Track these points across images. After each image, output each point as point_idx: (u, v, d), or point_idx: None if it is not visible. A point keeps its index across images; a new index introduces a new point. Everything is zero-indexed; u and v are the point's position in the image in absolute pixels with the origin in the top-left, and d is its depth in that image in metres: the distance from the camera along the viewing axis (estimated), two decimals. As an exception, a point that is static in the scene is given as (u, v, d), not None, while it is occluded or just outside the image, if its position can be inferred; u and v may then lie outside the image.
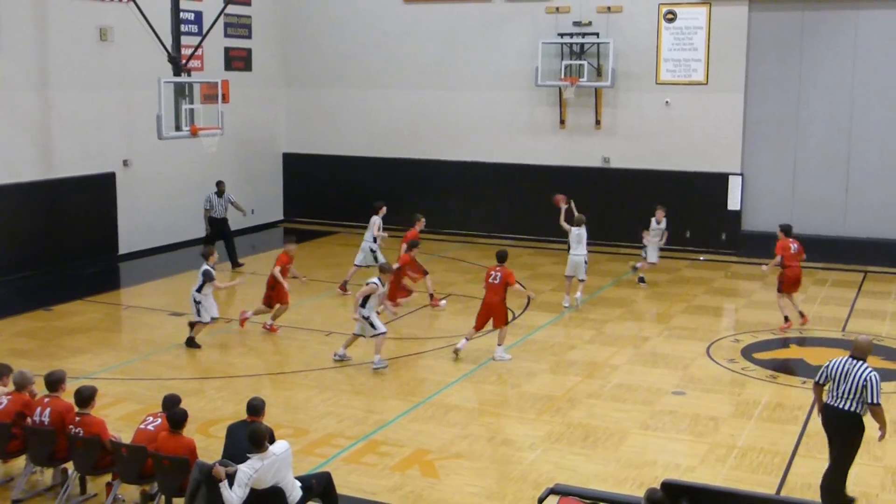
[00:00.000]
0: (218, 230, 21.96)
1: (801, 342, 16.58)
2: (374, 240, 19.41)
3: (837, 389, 10.00)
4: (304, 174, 27.98)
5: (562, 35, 24.41)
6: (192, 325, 15.93)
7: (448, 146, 26.20)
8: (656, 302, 19.31)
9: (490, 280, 15.35)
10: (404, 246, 18.33)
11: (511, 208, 25.35)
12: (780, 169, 23.58)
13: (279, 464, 8.80)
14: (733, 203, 23.63)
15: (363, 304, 14.53)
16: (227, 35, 25.42)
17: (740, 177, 23.61)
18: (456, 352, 15.26)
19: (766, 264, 17.87)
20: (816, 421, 12.55)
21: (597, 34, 24.18)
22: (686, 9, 23.66)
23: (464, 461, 11.33)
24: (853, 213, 22.89)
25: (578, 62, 23.98)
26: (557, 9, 24.54)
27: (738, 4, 23.26)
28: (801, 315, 17.39)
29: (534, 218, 24.87)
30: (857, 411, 9.88)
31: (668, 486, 8.23)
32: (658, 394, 13.73)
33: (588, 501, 8.37)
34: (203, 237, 21.89)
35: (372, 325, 14.56)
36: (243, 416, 9.80)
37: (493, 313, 15.28)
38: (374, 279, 14.62)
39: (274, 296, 16.65)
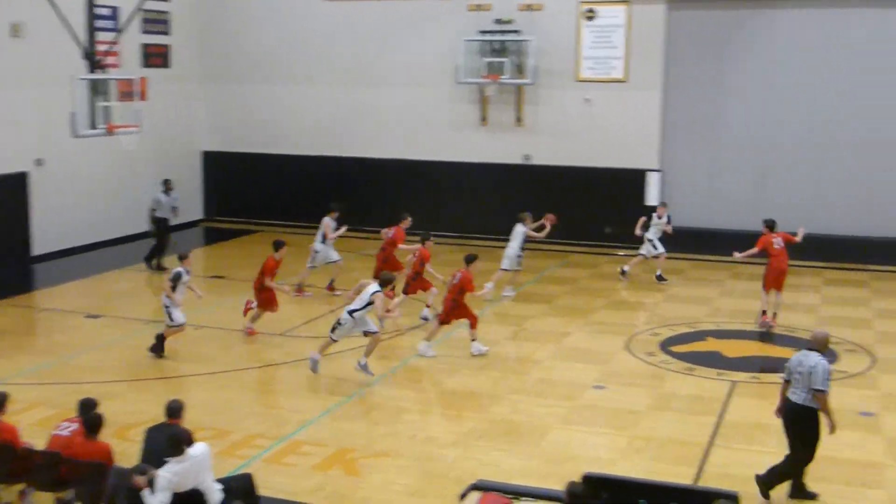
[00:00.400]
0: (161, 229, 21.65)
1: (718, 335, 16.88)
2: (323, 241, 19.25)
3: (794, 383, 10.24)
4: (224, 172, 27.66)
5: (483, 32, 24.49)
6: (160, 341, 15.19)
7: (370, 143, 26.13)
8: (577, 297, 19.50)
9: (450, 280, 15.57)
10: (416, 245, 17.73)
11: (433, 205, 25.38)
12: (698, 165, 23.99)
13: (198, 466, 8.70)
14: (651, 199, 23.95)
15: (358, 309, 13.97)
16: (144, 31, 25.00)
17: (659, 173, 23.96)
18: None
19: (740, 252, 17.79)
20: (732, 412, 12.90)
21: (518, 32, 24.32)
22: (605, 7, 23.92)
23: (387, 459, 11.33)
24: (769, 208, 23.27)
25: (500, 60, 24.09)
26: (479, 6, 24.64)
27: (655, 3, 23.58)
28: (763, 313, 17.30)
29: (456, 215, 24.96)
30: (810, 404, 10.07)
31: (589, 480, 8.33)
32: (579, 388, 13.88)
33: (510, 497, 8.42)
34: (142, 233, 21.58)
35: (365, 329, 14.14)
36: (162, 419, 9.66)
37: (445, 310, 15.38)
38: (377, 289, 14.05)
39: (263, 301, 16.43)
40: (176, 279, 15.02)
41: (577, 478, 8.40)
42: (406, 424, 12.51)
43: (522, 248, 19.34)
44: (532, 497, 8.58)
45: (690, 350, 15.88)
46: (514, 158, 24.98)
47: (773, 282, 17.22)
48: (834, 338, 16.30)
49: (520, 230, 19.22)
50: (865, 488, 10.65)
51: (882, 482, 10.78)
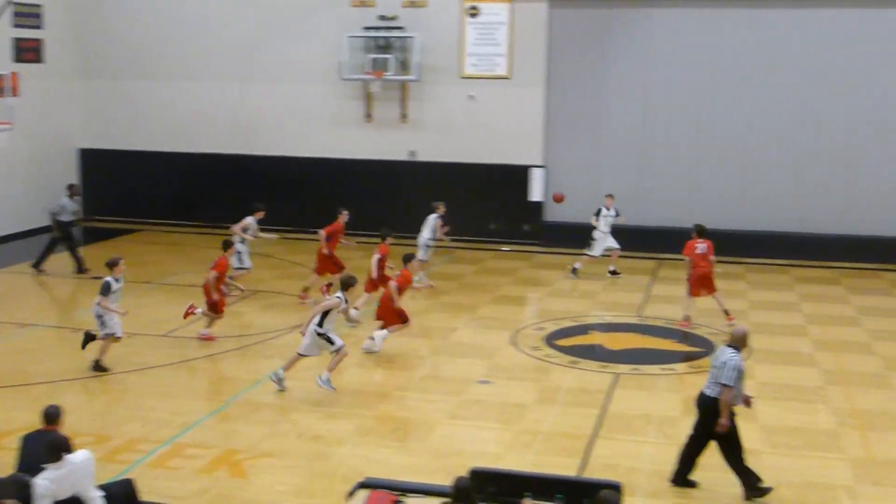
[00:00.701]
0: (65, 233, 20.81)
1: (601, 328, 17.21)
2: (242, 241, 18.90)
3: (710, 376, 10.50)
4: (102, 170, 26.92)
5: (367, 29, 24.44)
6: (89, 338, 14.38)
7: (253, 140, 25.80)
8: (463, 293, 19.63)
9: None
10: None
11: (319, 203, 25.18)
12: (581, 161, 24.39)
13: (78, 473, 8.45)
14: (535, 195, 24.28)
15: (321, 322, 13.34)
16: (15, 25, 24.17)
17: (542, 169, 24.28)
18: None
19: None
20: (615, 404, 13.16)
21: (402, 28, 24.34)
22: (488, 4, 24.12)
23: (273, 459, 11.21)
24: (648, 203, 23.90)
25: (384, 56, 24.07)
26: (363, 2, 24.56)
27: (538, 1, 23.88)
28: (726, 313, 17.12)
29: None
30: (719, 397, 10.29)
31: (476, 474, 8.39)
32: (465, 383, 13.97)
33: (397, 494, 8.43)
34: (14, 234, 20.84)
35: (330, 342, 13.37)
36: (39, 425, 9.36)
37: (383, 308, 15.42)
38: (339, 294, 13.53)
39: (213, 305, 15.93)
40: (106, 290, 14.19)
41: (464, 472, 8.45)
42: (293, 424, 12.41)
43: (434, 239, 19.64)
44: (419, 493, 8.60)
45: (574, 343, 16.15)
46: (400, 155, 24.99)
47: (698, 286, 17.02)
48: (711, 329, 16.87)
49: (432, 219, 19.47)
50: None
51: (758, 469, 11.10)
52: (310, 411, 13.00)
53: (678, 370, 14.80)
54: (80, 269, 20.46)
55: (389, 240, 17.40)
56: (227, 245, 16.41)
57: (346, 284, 13.57)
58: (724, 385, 10.15)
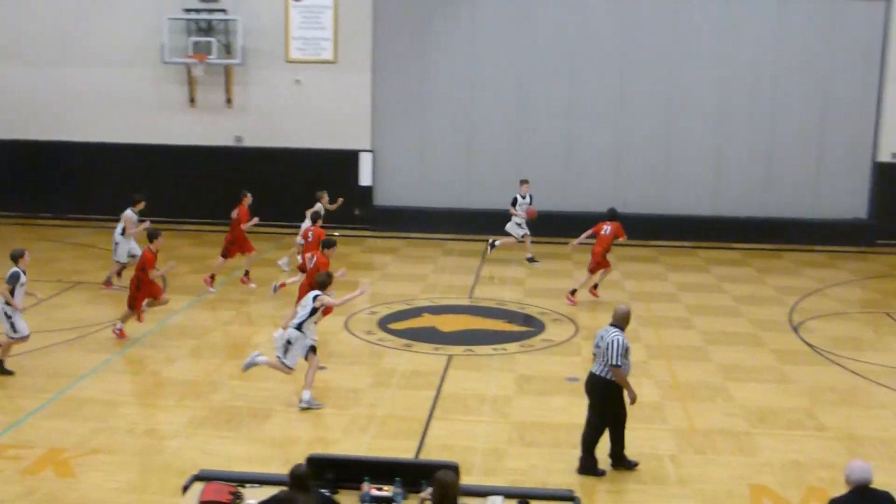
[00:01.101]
0: None
1: (433, 311, 17.38)
2: (122, 232, 18.09)
3: (596, 357, 10.63)
4: None
5: (188, 10, 23.79)
6: None
7: (70, 126, 24.74)
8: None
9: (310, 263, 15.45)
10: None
11: (144, 189, 24.44)
12: (409, 145, 24.54)
13: None
14: (365, 179, 24.28)
15: (299, 327, 12.57)
16: None
17: (371, 153, 24.29)
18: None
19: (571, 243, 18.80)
20: (449, 385, 13.32)
21: (224, 11, 23.82)
22: (313, -13, 23.93)
23: (103, 456, 10.84)
24: (476, 186, 24.29)
25: (207, 39, 23.52)
26: (183, -17, 23.92)
27: (363, -15, 23.88)
28: (594, 287, 18.23)
29: (167, 199, 24.12)
30: (607, 376, 10.45)
31: (313, 461, 8.35)
32: (300, 370, 13.82)
33: (235, 485, 8.30)
34: None
35: (286, 350, 12.64)
36: None
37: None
38: (318, 293, 12.68)
39: (140, 296, 15.06)
40: (14, 280, 13.28)
41: (300, 460, 8.40)
42: (123, 418, 12.02)
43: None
44: (257, 483, 8.49)
45: (408, 326, 16.26)
46: (226, 140, 24.51)
47: (596, 265, 17.95)
48: (540, 308, 17.29)
49: (318, 207, 18.89)
50: (572, 448, 11.30)
51: (587, 441, 11.50)
52: (140, 405, 12.65)
53: (510, 350, 15.12)
54: None
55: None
56: (153, 236, 15.43)
57: (323, 285, 12.74)
58: (614, 365, 10.33)
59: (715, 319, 16.88)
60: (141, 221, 18.02)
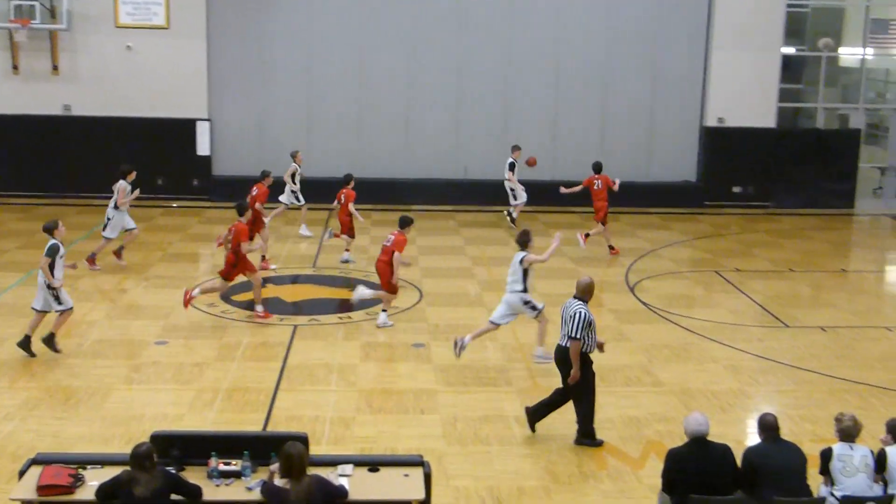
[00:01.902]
0: None
1: (277, 281, 17.18)
2: (116, 206, 17.18)
3: (562, 329, 10.52)
4: None
5: (8, -27, 22.63)
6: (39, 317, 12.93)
7: None
8: (132, 252, 18.82)
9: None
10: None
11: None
12: (247, 113, 24.08)
13: None
14: (203, 149, 23.72)
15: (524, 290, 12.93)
16: None
17: (208, 122, 23.72)
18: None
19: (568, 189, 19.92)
20: (295, 355, 13.23)
21: (48, -27, 22.77)
22: (142, -50, 23.09)
23: (-71, 444, 10.32)
24: (317, 154, 24.01)
25: (29, 3, 22.41)
26: (0, -56, 22.68)
27: (194, -52, 23.19)
28: (586, 236, 19.34)
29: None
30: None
31: (156, 438, 8.17)
32: (140, 346, 13.51)
33: (75, 467, 8.04)
34: None
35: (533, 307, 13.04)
36: None
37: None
38: (525, 254, 12.85)
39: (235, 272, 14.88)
40: (53, 253, 12.65)
41: (144, 438, 8.20)
42: (-51, 403, 11.46)
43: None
44: (98, 464, 8.24)
45: (251, 298, 15.98)
46: (54, 109, 23.46)
47: (603, 214, 19.31)
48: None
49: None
50: (419, 414, 11.42)
51: (435, 407, 11.63)
52: (-32, 388, 12.06)
53: (355, 318, 15.09)
54: None
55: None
56: (243, 209, 15.16)
57: (525, 242, 12.95)
58: (573, 338, 10.29)
59: (556, 282, 17.24)
60: (132, 192, 17.43)
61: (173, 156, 23.65)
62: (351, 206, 17.98)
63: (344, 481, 7.90)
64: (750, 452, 8.19)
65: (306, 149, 23.86)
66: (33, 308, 13.01)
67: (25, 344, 12.88)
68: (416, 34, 23.98)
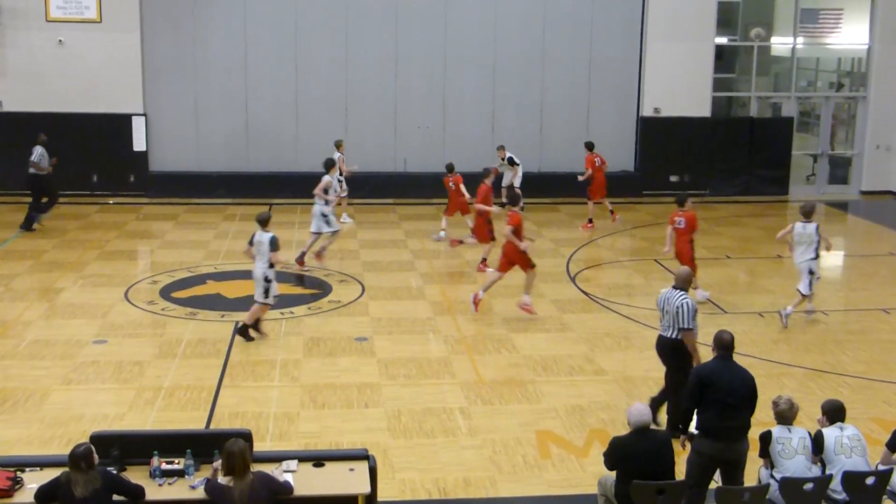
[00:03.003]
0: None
1: (217, 278, 17.01)
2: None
3: (663, 320, 10.44)
4: None
5: (-67, -34, 22.11)
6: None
7: None
8: (68, 250, 18.56)
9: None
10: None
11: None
12: (183, 108, 23.77)
13: None
14: (139, 144, 23.40)
15: None
16: None
17: (144, 117, 23.40)
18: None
19: (581, 176, 21.05)
20: (238, 351, 13.13)
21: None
22: (71, -58, 22.69)
23: None
24: (255, 149, 23.88)
25: (-44, -3, 21.94)
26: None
27: (124, -61, 22.84)
28: (612, 213, 21.31)
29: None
30: (679, 338, 10.30)
31: (96, 439, 8.06)
32: (78, 345, 13.30)
33: (13, 470, 7.91)
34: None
35: None
36: None
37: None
38: None
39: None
40: (276, 245, 13.37)
41: (84, 438, 8.09)
42: None
43: None
44: (37, 466, 8.11)
45: (192, 295, 15.86)
46: (-17, 106, 23.00)
47: (598, 192, 20.89)
48: (327, 270, 17.26)
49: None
50: (363, 408, 11.40)
51: (379, 400, 11.62)
52: None
53: (297, 313, 15.01)
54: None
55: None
56: (515, 200, 15.24)
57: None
58: (685, 329, 10.23)
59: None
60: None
61: (108, 152, 23.28)
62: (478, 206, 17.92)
63: (289, 477, 7.87)
64: (701, 369, 8.40)
65: (243, 143, 23.74)
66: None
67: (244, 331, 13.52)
68: (352, 25, 23.86)
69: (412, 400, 11.65)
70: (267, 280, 13.42)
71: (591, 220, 21.17)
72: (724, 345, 8.51)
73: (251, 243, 13.53)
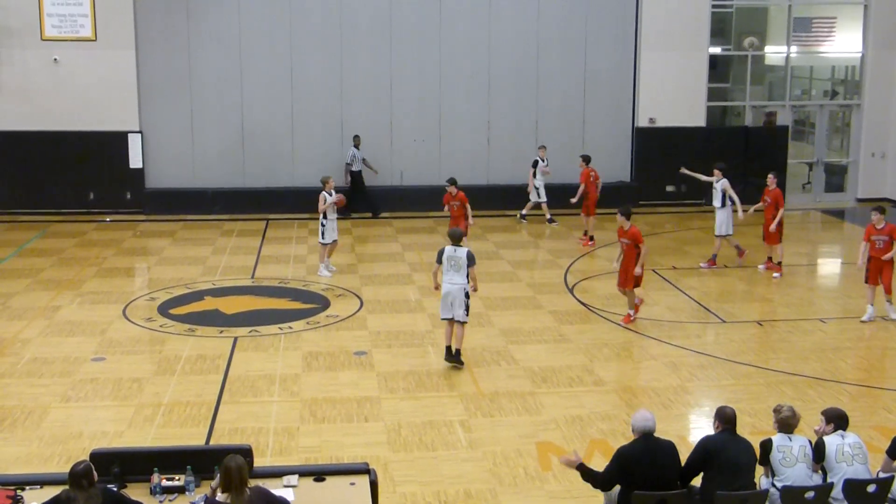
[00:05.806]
0: (355, 182, 23.22)
1: (215, 293, 17.01)
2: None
3: None
4: None
5: (-72, -14, 22.15)
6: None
7: None
8: (65, 268, 18.55)
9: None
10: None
11: None
12: (179, 124, 23.79)
13: None
14: (135, 161, 23.41)
15: None
16: None
17: (140, 134, 23.42)
18: None
19: (573, 198, 21.03)
20: (236, 367, 13.11)
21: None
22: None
23: None
24: (251, 165, 23.90)
25: (-49, 17, 21.98)
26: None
27: (120, -42, 22.89)
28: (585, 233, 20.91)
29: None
30: None
31: (96, 456, 8.04)
32: (77, 363, 13.28)
33: (13, 488, 7.89)
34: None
35: None
36: None
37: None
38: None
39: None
40: (473, 260, 13.31)
41: (84, 456, 8.07)
42: None
43: None
44: (37, 484, 8.09)
45: (190, 311, 15.84)
46: (-22, 125, 23.02)
47: (591, 208, 20.81)
48: (324, 285, 17.26)
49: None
50: (363, 422, 11.38)
51: (379, 414, 11.60)
52: None
53: (295, 328, 15.00)
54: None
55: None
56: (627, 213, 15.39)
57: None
58: None
59: (495, 286, 17.33)
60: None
61: (105, 169, 23.30)
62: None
63: (289, 492, 7.85)
64: (707, 441, 8.30)
65: (239, 159, 23.76)
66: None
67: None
68: (346, 40, 23.91)
69: (412, 413, 11.64)
70: (467, 296, 13.19)
71: (592, 238, 20.87)
72: (728, 419, 8.29)
73: (439, 261, 13.37)
